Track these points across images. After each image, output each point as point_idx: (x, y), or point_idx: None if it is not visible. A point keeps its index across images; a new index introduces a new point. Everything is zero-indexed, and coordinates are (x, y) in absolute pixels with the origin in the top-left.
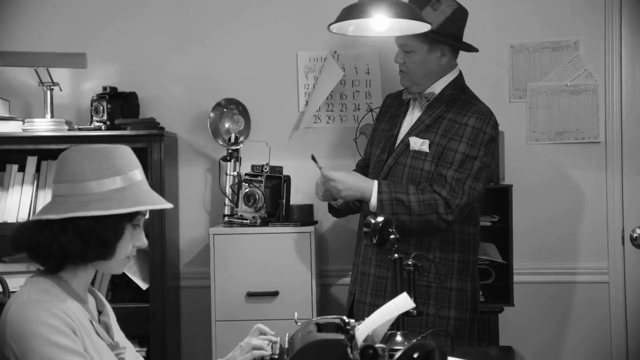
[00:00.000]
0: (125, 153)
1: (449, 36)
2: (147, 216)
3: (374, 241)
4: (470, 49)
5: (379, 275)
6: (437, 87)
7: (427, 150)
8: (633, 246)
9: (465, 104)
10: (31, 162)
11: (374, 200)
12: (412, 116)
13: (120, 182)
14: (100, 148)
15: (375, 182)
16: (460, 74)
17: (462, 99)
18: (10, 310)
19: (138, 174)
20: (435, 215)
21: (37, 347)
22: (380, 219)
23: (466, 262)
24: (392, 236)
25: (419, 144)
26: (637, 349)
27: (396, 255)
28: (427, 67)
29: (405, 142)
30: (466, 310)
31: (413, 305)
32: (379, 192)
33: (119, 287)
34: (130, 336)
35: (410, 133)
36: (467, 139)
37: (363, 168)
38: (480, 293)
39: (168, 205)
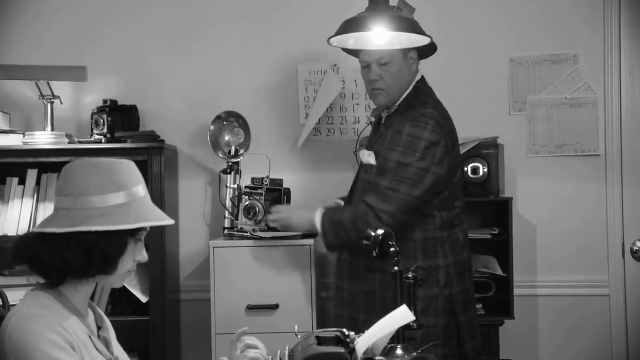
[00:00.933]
0: (130, 169)
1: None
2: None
3: (375, 254)
4: (433, 47)
5: (352, 290)
6: (403, 97)
7: (374, 163)
8: (634, 259)
9: (409, 110)
10: (31, 175)
11: (319, 228)
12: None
13: (123, 197)
14: (104, 162)
15: (319, 210)
16: (423, 78)
17: (413, 105)
18: (10, 324)
19: (141, 189)
20: (367, 226)
21: None
22: (380, 231)
23: (433, 267)
24: (392, 249)
25: (366, 156)
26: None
27: (396, 268)
28: (402, 77)
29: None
30: (437, 316)
31: (413, 318)
32: (322, 218)
33: (119, 301)
34: (130, 349)
35: (369, 148)
36: (401, 147)
37: None
38: (481, 306)
39: (170, 222)
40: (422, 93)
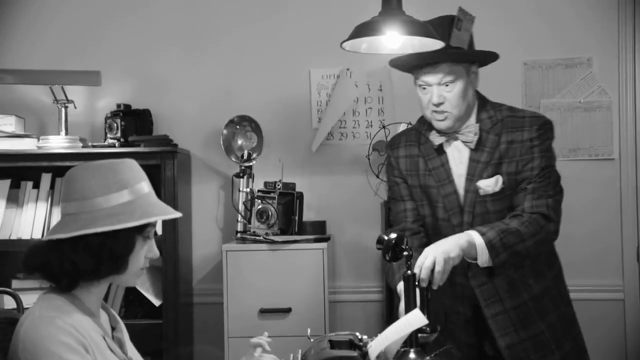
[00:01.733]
0: (132, 166)
1: (479, 53)
2: (159, 230)
3: (387, 258)
4: (494, 57)
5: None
6: (473, 116)
7: (503, 186)
8: None
9: (510, 118)
10: (45, 179)
11: (480, 243)
12: (458, 159)
13: (128, 195)
14: (105, 163)
15: (472, 230)
16: (477, 91)
17: (503, 115)
18: (22, 327)
19: (145, 186)
20: (547, 235)
21: None
22: (393, 235)
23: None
24: (405, 252)
25: (492, 184)
26: None
27: (409, 272)
28: (467, 95)
29: (472, 191)
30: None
31: (426, 322)
32: (481, 234)
33: (132, 304)
34: (143, 352)
35: (471, 179)
36: (538, 153)
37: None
38: None
39: (177, 215)
40: (490, 101)
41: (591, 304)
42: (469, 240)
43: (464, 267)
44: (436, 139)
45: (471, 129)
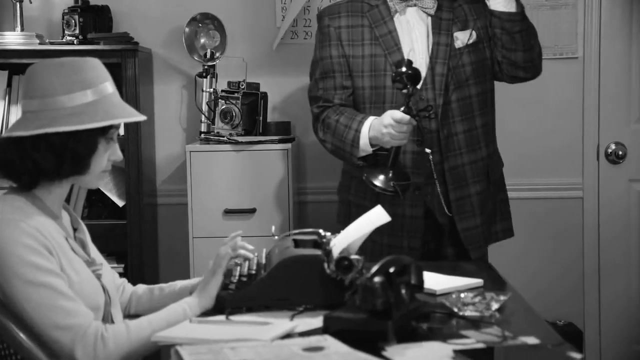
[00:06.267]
0: (95, 65)
1: None
2: (121, 130)
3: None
4: None
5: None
6: None
7: (477, 39)
8: (607, 162)
9: None
10: (1, 76)
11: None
12: (413, 23)
13: (91, 95)
14: (68, 61)
15: None
16: None
17: None
18: None
19: (109, 86)
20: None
21: (15, 268)
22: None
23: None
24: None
25: (467, 35)
26: (608, 262)
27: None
28: None
29: (443, 44)
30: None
31: (389, 219)
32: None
33: (96, 204)
34: (107, 253)
35: (438, 33)
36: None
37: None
38: None
39: (141, 118)
40: None
41: (550, 202)
42: None
43: None
44: (396, 5)
45: None
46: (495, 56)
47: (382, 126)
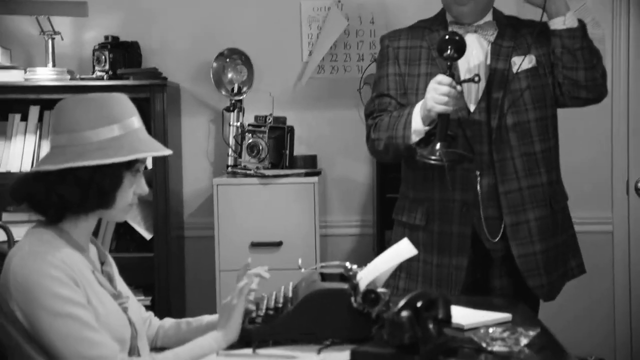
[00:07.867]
0: (122, 100)
1: None
2: (149, 165)
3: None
4: None
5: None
6: (489, 13)
7: (537, 65)
8: (638, 196)
9: (522, 21)
10: (34, 111)
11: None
12: (473, 48)
13: (117, 130)
14: (96, 97)
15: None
16: None
17: (513, 21)
18: (12, 262)
19: (135, 121)
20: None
21: (41, 299)
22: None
23: None
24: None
25: (526, 61)
26: (639, 296)
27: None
28: None
29: (501, 69)
30: None
31: (415, 252)
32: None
33: (124, 237)
34: (134, 286)
35: (497, 59)
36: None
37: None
38: None
39: (167, 152)
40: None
41: (580, 236)
42: None
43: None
44: (456, 30)
45: (490, 25)
46: (556, 79)
47: (426, 93)
